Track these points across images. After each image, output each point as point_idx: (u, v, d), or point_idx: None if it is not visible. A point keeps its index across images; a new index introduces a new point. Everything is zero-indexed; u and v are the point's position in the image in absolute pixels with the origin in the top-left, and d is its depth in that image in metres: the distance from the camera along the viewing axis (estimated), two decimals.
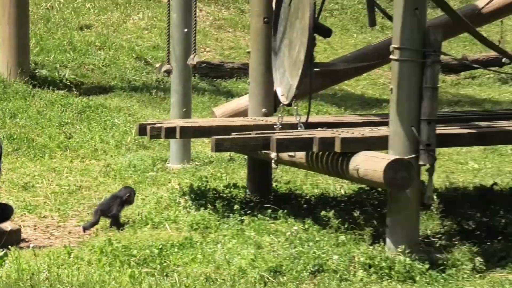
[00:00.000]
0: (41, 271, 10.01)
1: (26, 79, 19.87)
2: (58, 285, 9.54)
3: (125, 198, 12.56)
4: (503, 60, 16.12)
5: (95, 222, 12.36)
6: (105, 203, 12.65)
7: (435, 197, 11.19)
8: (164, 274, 10.10)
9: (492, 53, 15.74)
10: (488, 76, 23.85)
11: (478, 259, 10.26)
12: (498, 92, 23.23)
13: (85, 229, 12.36)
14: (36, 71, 20.34)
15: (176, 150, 15.78)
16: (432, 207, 11.21)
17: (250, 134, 11.87)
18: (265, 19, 12.97)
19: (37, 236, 12.15)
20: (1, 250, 11.03)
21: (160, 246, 10.80)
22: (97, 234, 12.12)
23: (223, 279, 9.81)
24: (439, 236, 11.26)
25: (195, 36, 16.40)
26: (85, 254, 10.74)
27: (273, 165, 12.01)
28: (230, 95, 19.29)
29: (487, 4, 15.48)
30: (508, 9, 16.37)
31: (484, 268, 10.17)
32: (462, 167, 15.82)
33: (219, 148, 11.88)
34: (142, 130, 13.08)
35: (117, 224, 12.29)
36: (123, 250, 10.72)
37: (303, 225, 11.35)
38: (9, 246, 11.32)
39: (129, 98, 19.91)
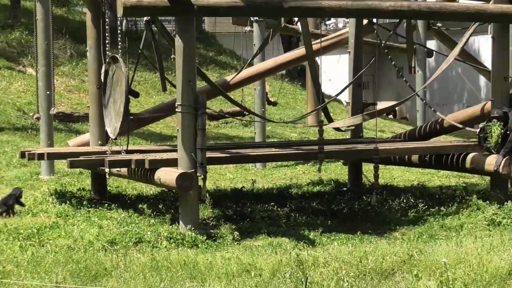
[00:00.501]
0: None
1: None
2: None
3: (18, 194, 12.41)
4: (245, 112, 16.37)
5: (7, 211, 12.07)
6: (5, 198, 12.45)
7: (208, 195, 11.45)
8: (41, 245, 10.01)
9: (237, 108, 16.03)
10: (235, 122, 24.00)
11: (236, 233, 10.55)
12: (242, 131, 23.47)
13: (3, 213, 12.02)
14: None
15: (45, 167, 15.45)
16: (206, 202, 11.33)
17: (91, 157, 11.93)
18: (98, 86, 12.83)
19: None
20: None
21: (38, 227, 10.71)
22: None
23: (79, 248, 9.82)
24: (211, 219, 11.45)
25: (54, 96, 16.27)
26: None
27: (107, 176, 12.13)
28: (78, 133, 18.98)
29: (233, 78, 15.74)
30: (246, 82, 16.70)
31: (240, 238, 10.49)
32: (223, 177, 15.92)
33: (72, 165, 11.94)
34: (23, 155, 12.91)
35: (12, 212, 12.08)
36: (14, 230, 10.61)
37: (128, 214, 11.46)
38: None
39: (14, 135, 19.41)
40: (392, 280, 8.48)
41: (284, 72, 31.37)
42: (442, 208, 12.14)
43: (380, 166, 13.59)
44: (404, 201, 12.57)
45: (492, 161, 12.14)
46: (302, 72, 31.39)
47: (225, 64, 32.76)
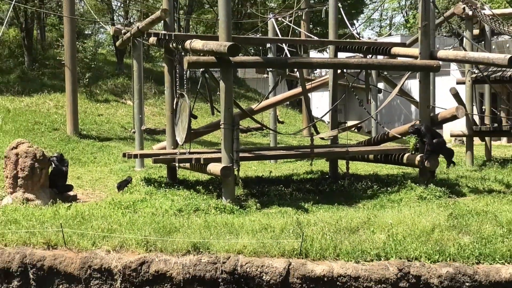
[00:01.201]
0: (85, 210, 9.85)
1: (77, 135, 19.31)
2: (92, 216, 9.38)
3: (130, 180, 12.37)
4: (263, 128, 16.14)
5: (120, 188, 12.10)
6: (121, 182, 12.40)
7: (240, 180, 11.32)
8: (135, 212, 9.95)
9: (259, 125, 15.88)
10: (258, 134, 23.68)
11: (258, 204, 10.44)
12: (262, 140, 23.21)
13: (119, 190, 12.13)
14: (81, 132, 19.81)
15: (138, 163, 15.46)
16: (239, 185, 11.22)
17: (167, 156, 11.85)
18: (171, 112, 12.70)
19: (83, 198, 11.83)
20: (70, 203, 10.82)
21: (133, 201, 10.65)
22: (107, 196, 11.82)
23: (159, 214, 9.73)
24: (242, 196, 11.31)
25: (144, 118, 16.28)
26: (103, 205, 10.48)
27: (177, 168, 12.05)
28: (159, 141, 18.72)
29: (256, 107, 15.69)
30: (264, 109, 16.63)
31: (260, 208, 10.37)
32: (250, 168, 15.70)
33: (156, 161, 11.86)
34: (124, 155, 12.87)
35: (121, 189, 12.08)
36: (118, 202, 10.55)
37: (190, 192, 11.28)
38: (72, 201, 11.12)
39: (119, 142, 19.35)
40: (357, 234, 8.39)
41: (288, 102, 31.30)
42: (388, 188, 11.97)
43: (350, 162, 13.50)
44: (364, 184, 12.42)
45: (420, 159, 12.03)
46: (300, 102, 31.37)
47: (251, 98, 32.71)
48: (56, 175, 11.45)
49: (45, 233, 8.31)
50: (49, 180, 11.29)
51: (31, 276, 7.96)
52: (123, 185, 12.19)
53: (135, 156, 13.02)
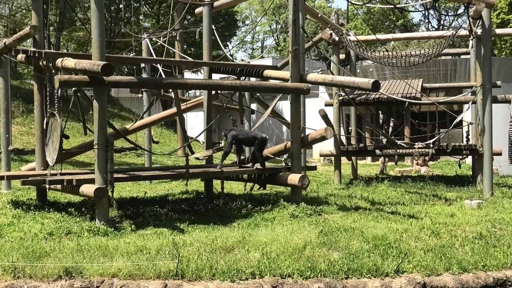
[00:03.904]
0: None
1: None
2: None
3: None
4: (137, 148, 15.88)
5: None
6: None
7: (114, 202, 10.99)
8: (1, 237, 9.29)
9: (133, 145, 15.60)
10: (132, 154, 23.30)
11: (133, 226, 10.15)
12: (136, 160, 22.89)
13: None
14: None
15: (5, 185, 14.65)
16: (113, 206, 10.91)
17: (37, 177, 11.34)
18: (41, 131, 12.20)
19: None
20: None
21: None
22: None
23: (28, 238, 9.19)
24: (117, 217, 10.97)
25: (11, 138, 15.50)
26: None
27: (47, 190, 11.51)
28: (28, 162, 18.06)
29: (130, 127, 15.45)
30: (139, 129, 16.41)
31: (135, 229, 10.05)
32: (124, 189, 15.31)
33: (24, 183, 11.29)
34: None
35: None
36: None
37: (61, 215, 10.84)
38: None
39: None
40: (232, 253, 8.45)
41: (163, 122, 31.16)
42: (262, 207, 12.14)
43: (225, 181, 13.59)
44: (239, 203, 12.53)
45: (292, 178, 12.35)
46: (175, 122, 31.28)
47: (125, 117, 32.26)
48: None
49: None
50: None
51: None
52: None
53: (1, 177, 12.34)
